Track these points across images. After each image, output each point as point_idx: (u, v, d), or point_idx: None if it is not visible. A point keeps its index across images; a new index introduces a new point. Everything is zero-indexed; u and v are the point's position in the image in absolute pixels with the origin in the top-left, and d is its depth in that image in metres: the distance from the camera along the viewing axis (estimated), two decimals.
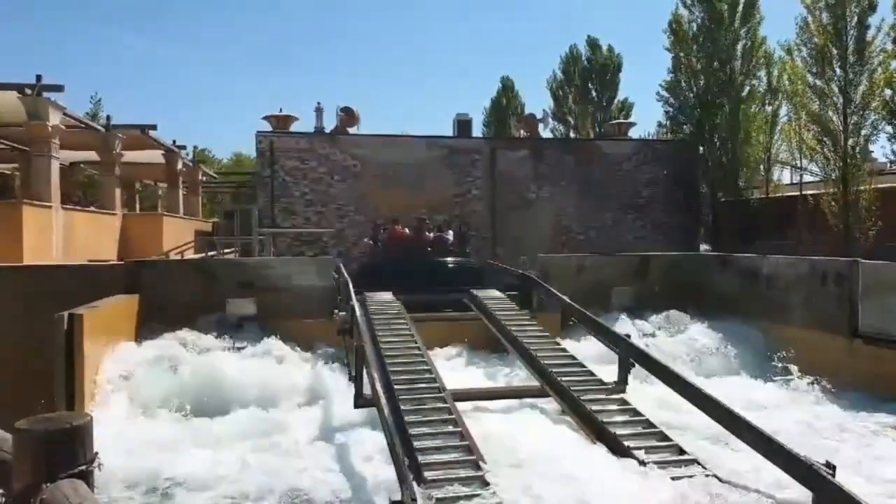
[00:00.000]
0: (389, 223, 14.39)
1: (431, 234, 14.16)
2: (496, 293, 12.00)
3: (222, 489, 6.24)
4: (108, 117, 19.54)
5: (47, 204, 14.33)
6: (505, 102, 36.43)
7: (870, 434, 7.65)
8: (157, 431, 7.35)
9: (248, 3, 79.63)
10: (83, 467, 2.46)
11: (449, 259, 13.58)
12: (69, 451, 2.46)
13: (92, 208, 19.43)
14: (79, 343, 7.64)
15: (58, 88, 14.31)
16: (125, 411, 7.89)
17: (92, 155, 20.14)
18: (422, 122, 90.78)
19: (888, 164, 19.86)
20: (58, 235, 14.54)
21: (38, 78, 13.92)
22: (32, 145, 14.99)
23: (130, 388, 8.32)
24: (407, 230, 14.02)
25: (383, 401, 6.66)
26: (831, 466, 5.18)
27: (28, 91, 13.86)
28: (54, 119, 14.50)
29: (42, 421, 2.54)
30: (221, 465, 6.69)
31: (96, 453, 2.54)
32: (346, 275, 11.06)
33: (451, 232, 14.55)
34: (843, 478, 5.13)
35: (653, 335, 11.27)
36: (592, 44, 31.02)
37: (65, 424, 2.50)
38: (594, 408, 7.36)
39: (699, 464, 6.11)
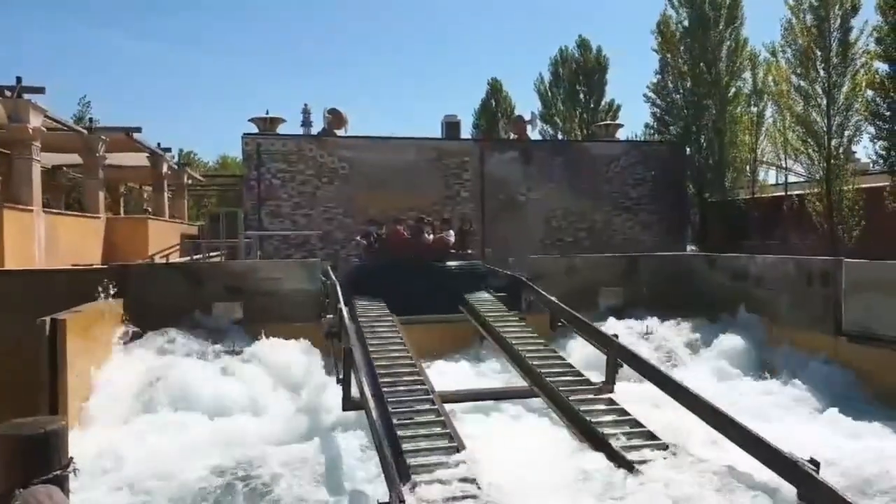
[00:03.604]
0: (390, 222, 13.25)
1: (432, 236, 12.91)
2: (485, 295, 11.97)
3: (206, 493, 6.16)
4: (90, 119, 19.41)
5: (29, 207, 14.16)
6: (494, 104, 36.49)
7: (853, 431, 7.70)
8: (141, 435, 7.25)
9: (237, 5, 79.32)
10: (58, 472, 2.41)
11: (452, 263, 12.49)
12: (43, 457, 2.40)
13: (70, 212, 19.22)
14: (62, 348, 7.52)
15: (38, 90, 14.17)
16: (109, 416, 7.77)
17: (75, 158, 19.95)
18: (410, 125, 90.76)
19: (871, 165, 20.10)
20: (40, 239, 14.37)
21: (19, 80, 13.78)
22: (13, 148, 14.81)
23: (114, 392, 8.21)
24: (402, 230, 12.90)
25: (371, 403, 6.62)
26: (815, 463, 5.21)
27: (8, 93, 13.69)
28: (35, 121, 14.34)
29: (15, 426, 2.48)
30: (205, 470, 6.61)
31: (71, 458, 2.49)
32: (334, 278, 11.00)
33: (451, 232, 13.36)
34: (826, 474, 5.16)
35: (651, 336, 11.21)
36: (583, 44, 31.14)
37: (38, 430, 2.44)
38: (582, 408, 7.35)
39: (685, 462, 6.11)
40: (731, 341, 10.95)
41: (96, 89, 66.90)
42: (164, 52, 73.73)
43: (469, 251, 13.84)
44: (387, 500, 4.98)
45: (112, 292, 9.86)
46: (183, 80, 76.36)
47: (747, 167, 21.27)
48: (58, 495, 2.33)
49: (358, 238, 13.76)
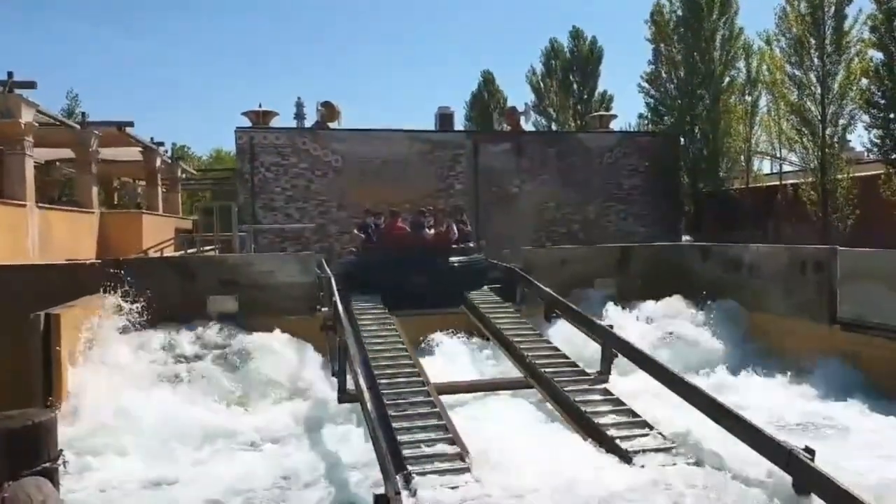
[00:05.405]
0: (387, 215, 12.65)
1: (432, 230, 12.27)
2: (482, 288, 11.95)
3: (204, 486, 6.16)
4: (83, 114, 19.26)
5: (22, 203, 14.07)
6: (486, 96, 36.35)
7: (848, 419, 7.74)
8: (134, 429, 7.22)
9: (228, 5, 78.68)
10: (47, 465, 2.39)
11: (454, 259, 11.88)
12: (32, 449, 2.38)
13: (63, 207, 19.13)
14: (55, 343, 7.50)
15: (30, 85, 14.05)
16: (102, 409, 7.74)
17: (68, 153, 19.83)
18: (405, 118, 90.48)
19: (865, 154, 20.12)
20: (33, 234, 14.30)
21: (10, 74, 13.67)
22: (5, 143, 14.71)
23: (108, 386, 8.17)
24: (401, 223, 12.27)
25: (367, 396, 6.62)
26: (810, 451, 5.23)
27: None
28: (27, 116, 14.23)
29: (4, 419, 2.46)
30: (202, 462, 6.60)
31: (61, 451, 2.47)
32: (328, 271, 10.97)
33: (454, 225, 12.49)
34: (821, 462, 5.18)
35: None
36: (576, 34, 31.05)
37: (27, 422, 2.42)
38: (577, 398, 7.37)
39: (681, 451, 6.14)
40: (724, 329, 10.98)
41: (92, 88, 66.32)
42: (160, 51, 73.14)
43: (470, 244, 13.17)
44: (382, 491, 4.98)
45: (106, 286, 9.80)
46: (178, 78, 75.79)
47: (741, 157, 21.27)
48: (47, 488, 2.32)
49: (355, 230, 13.17)
